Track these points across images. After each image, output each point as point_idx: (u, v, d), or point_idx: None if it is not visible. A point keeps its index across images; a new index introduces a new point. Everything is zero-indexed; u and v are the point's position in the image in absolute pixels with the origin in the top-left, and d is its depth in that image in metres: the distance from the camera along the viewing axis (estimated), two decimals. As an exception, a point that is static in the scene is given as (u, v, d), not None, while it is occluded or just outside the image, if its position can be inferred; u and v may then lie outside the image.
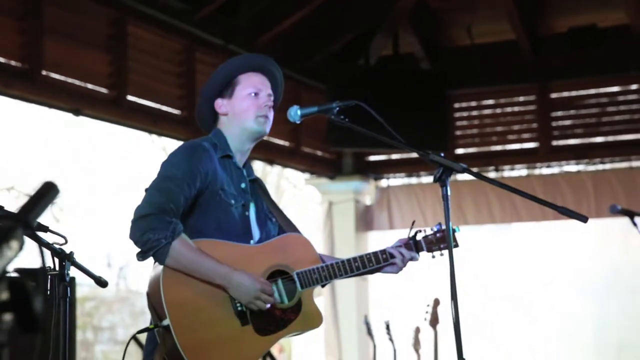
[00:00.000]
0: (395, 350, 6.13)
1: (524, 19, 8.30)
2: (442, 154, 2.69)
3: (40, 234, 2.69)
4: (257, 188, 3.42)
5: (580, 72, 8.48)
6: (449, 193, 2.68)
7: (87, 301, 15.14)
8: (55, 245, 2.65)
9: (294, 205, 16.68)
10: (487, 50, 8.75)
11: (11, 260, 1.19)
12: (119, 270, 14.86)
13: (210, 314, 3.09)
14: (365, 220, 9.29)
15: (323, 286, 3.32)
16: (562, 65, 8.50)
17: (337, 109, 3.07)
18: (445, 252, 3.36)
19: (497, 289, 8.60)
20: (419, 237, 3.44)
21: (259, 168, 16.15)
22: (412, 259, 3.42)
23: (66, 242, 2.64)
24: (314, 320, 3.29)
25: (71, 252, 2.65)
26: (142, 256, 3.05)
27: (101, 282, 2.80)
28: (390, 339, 6.11)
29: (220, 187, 3.20)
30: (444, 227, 3.37)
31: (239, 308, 3.13)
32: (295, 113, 3.23)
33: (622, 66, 8.25)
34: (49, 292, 2.63)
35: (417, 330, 6.05)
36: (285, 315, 3.22)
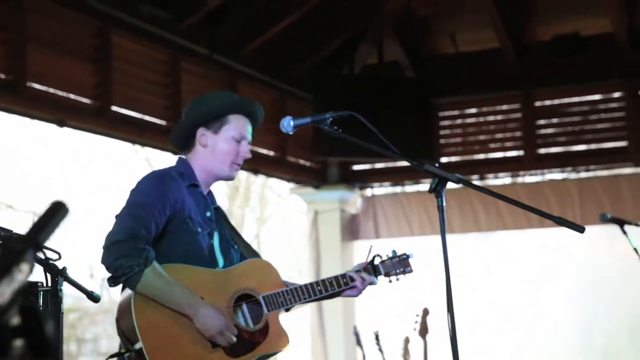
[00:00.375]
0: (384, 361, 6.10)
1: (508, 27, 8.32)
2: (437, 165, 2.66)
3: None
4: (220, 216, 3.47)
5: (564, 80, 8.50)
6: (444, 204, 2.66)
7: (70, 313, 15.05)
8: (48, 260, 2.60)
9: (278, 215, 16.65)
10: (472, 59, 8.77)
11: (22, 283, 1.16)
12: (102, 282, 14.75)
13: (182, 337, 3.13)
14: (351, 229, 9.26)
15: (287, 310, 3.42)
16: (546, 74, 8.52)
17: (331, 119, 3.06)
18: (402, 276, 3.61)
19: (483, 296, 8.60)
20: (377, 261, 3.57)
21: (243, 177, 16.14)
22: (371, 283, 3.54)
23: (60, 257, 2.60)
24: (281, 341, 3.38)
25: (64, 268, 2.61)
26: (113, 282, 3.07)
27: (94, 298, 2.77)
28: (380, 349, 6.08)
29: (187, 215, 3.25)
30: (399, 252, 3.61)
31: None
32: (288, 124, 3.22)
33: (606, 74, 8.29)
34: (41, 308, 2.58)
35: (407, 340, 6.03)
36: (254, 338, 3.29)
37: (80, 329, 15.46)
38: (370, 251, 3.59)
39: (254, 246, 3.77)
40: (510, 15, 8.29)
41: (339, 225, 9.11)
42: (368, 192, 9.39)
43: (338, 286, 3.45)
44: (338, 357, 8.78)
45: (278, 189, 15.43)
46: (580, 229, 2.57)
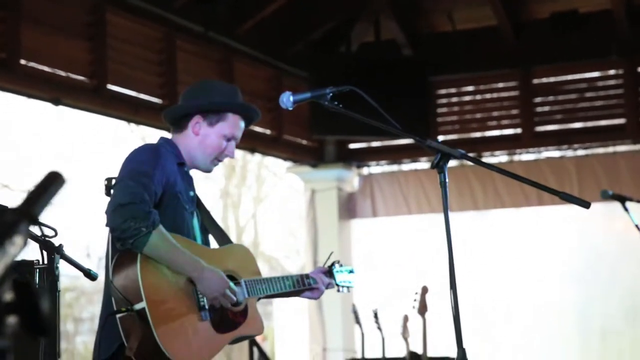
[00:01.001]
0: (383, 339, 6.10)
1: (505, 4, 8.27)
2: (439, 140, 2.62)
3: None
4: (198, 200, 3.52)
5: (562, 57, 8.46)
6: (447, 180, 2.62)
7: (67, 292, 15.04)
8: (44, 237, 2.55)
9: (275, 194, 16.63)
10: (469, 36, 8.71)
11: (15, 257, 1.11)
12: (99, 261, 14.71)
13: (179, 304, 3.17)
14: (348, 208, 9.25)
15: (259, 299, 3.50)
16: (544, 51, 8.48)
17: (331, 94, 3.02)
18: (349, 288, 3.84)
19: (479, 275, 8.59)
20: (335, 269, 3.77)
21: (239, 156, 16.08)
22: (329, 285, 3.72)
23: (56, 234, 2.55)
24: (257, 327, 3.47)
25: (60, 245, 2.56)
26: (121, 243, 3.07)
27: (91, 276, 2.72)
28: (379, 328, 6.08)
29: (178, 190, 3.30)
30: (350, 268, 3.86)
31: (202, 303, 3.22)
32: (287, 99, 3.17)
33: (603, 51, 8.24)
34: (36, 286, 2.54)
35: (406, 319, 6.02)
36: (236, 318, 3.36)
37: (77, 308, 15.46)
38: (329, 257, 3.78)
39: (251, 225, 3.82)
40: (507, -8, 8.25)
41: (336, 204, 9.10)
42: (365, 170, 9.36)
43: (303, 284, 3.59)
44: (336, 335, 8.78)
45: (275, 168, 15.40)
46: (586, 205, 2.53)
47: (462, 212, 8.71)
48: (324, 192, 9.12)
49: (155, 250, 3.07)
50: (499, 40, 8.54)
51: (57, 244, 2.53)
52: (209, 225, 3.55)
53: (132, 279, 3.07)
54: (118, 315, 3.07)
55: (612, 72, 8.55)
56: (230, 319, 3.34)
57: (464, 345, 2.51)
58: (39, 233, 2.58)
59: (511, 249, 8.71)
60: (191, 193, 3.42)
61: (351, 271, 3.86)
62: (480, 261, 8.63)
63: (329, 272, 3.74)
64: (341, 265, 3.81)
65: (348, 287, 3.82)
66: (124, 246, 3.07)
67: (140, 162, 3.21)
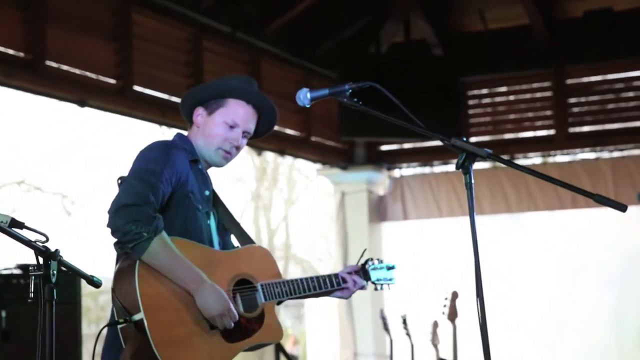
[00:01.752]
0: (412, 345, 5.98)
1: (538, 2, 8.14)
2: (465, 139, 2.50)
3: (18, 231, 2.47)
4: (216, 199, 3.34)
5: (596, 56, 8.29)
6: (472, 181, 2.50)
7: (100, 294, 15.08)
8: (38, 243, 2.45)
9: (306, 196, 16.56)
10: (501, 36, 8.58)
11: None
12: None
13: (182, 314, 2.99)
14: (378, 211, 9.15)
15: (279, 303, 3.30)
16: (578, 50, 8.32)
17: (350, 91, 2.89)
18: (389, 285, 3.61)
19: (513, 280, 8.45)
20: (369, 267, 3.55)
21: (271, 159, 16.04)
22: (362, 287, 3.50)
23: (47, 239, 2.45)
24: (275, 333, 3.26)
25: (57, 250, 2.45)
26: (120, 247, 2.96)
27: (94, 283, 2.60)
28: (407, 334, 5.96)
29: (190, 189, 3.13)
30: (389, 263, 3.62)
31: None
32: (304, 96, 3.04)
33: (639, 50, 8.06)
34: (32, 295, 2.43)
35: (435, 325, 5.89)
36: (250, 325, 3.17)
37: (110, 310, 15.49)
38: (362, 255, 3.58)
39: (283, 228, 3.64)
40: (540, -10, 8.11)
41: (366, 207, 9.00)
42: (396, 172, 9.26)
43: (331, 285, 3.39)
44: (366, 341, 8.69)
45: (306, 170, 15.34)
46: (622, 207, 2.40)
47: (495, 215, 8.57)
48: (354, 194, 9.03)
49: (154, 258, 2.92)
50: (531, 39, 8.39)
51: (53, 249, 2.42)
52: (230, 225, 3.36)
53: (131, 288, 2.92)
54: (119, 326, 2.93)
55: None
56: (244, 326, 3.14)
57: (492, 356, 2.38)
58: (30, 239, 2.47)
59: (545, 252, 8.55)
60: (206, 192, 3.24)
61: (391, 267, 3.64)
62: (513, 265, 8.49)
63: (363, 271, 3.53)
64: (380, 262, 3.61)
65: (388, 284, 3.61)
66: (123, 250, 2.96)
67: (149, 159, 3.05)
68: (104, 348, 3.07)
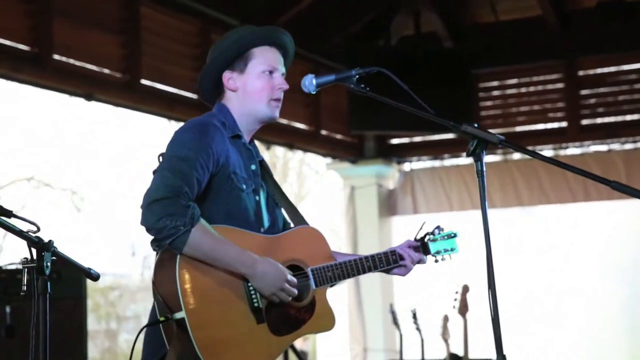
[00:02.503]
0: (422, 340, 5.93)
1: (550, -7, 8.05)
2: (476, 125, 2.43)
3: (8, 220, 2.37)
4: (264, 171, 3.15)
5: (609, 48, 8.20)
6: (484, 168, 2.42)
7: (110, 291, 15.09)
8: (30, 233, 2.35)
9: (316, 191, 16.52)
10: (512, 27, 8.50)
11: None
12: (143, 259, 14.78)
13: (226, 309, 2.83)
14: (388, 205, 9.09)
15: (331, 286, 3.11)
16: (591, 41, 8.23)
17: (357, 77, 2.82)
18: (448, 257, 3.34)
19: (525, 273, 8.38)
20: (427, 239, 3.33)
21: (280, 154, 16.00)
22: (420, 261, 3.28)
23: (38, 229, 2.35)
24: (327, 321, 3.08)
25: (50, 241, 2.35)
26: (157, 244, 2.78)
27: (91, 276, 2.51)
28: (417, 328, 5.91)
29: (232, 170, 2.94)
30: (446, 230, 3.36)
31: (255, 304, 2.88)
32: (310, 82, 2.97)
33: (653, 41, 7.97)
34: (24, 288, 2.35)
35: (446, 319, 5.84)
36: (300, 315, 2.99)
37: (120, 306, 15.52)
38: (421, 228, 3.34)
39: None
40: (552, -19, 8.03)
41: (376, 201, 8.94)
42: (406, 166, 9.20)
43: (387, 263, 3.19)
44: (377, 336, 8.63)
45: (316, 165, 15.29)
46: (640, 195, 2.34)
47: (507, 209, 8.50)
48: (364, 188, 8.98)
49: (197, 249, 2.75)
50: (543, 31, 8.31)
51: (46, 240, 2.33)
52: (280, 199, 3.16)
53: (172, 285, 2.76)
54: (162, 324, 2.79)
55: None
56: (293, 316, 2.97)
57: (504, 351, 2.31)
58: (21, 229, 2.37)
59: (557, 245, 8.48)
60: (253, 166, 3.04)
61: (453, 235, 3.37)
62: (525, 258, 8.42)
63: (422, 245, 3.30)
64: (440, 230, 3.35)
65: (450, 255, 3.35)
66: (161, 247, 2.78)
67: (182, 144, 2.86)
68: (147, 340, 2.93)
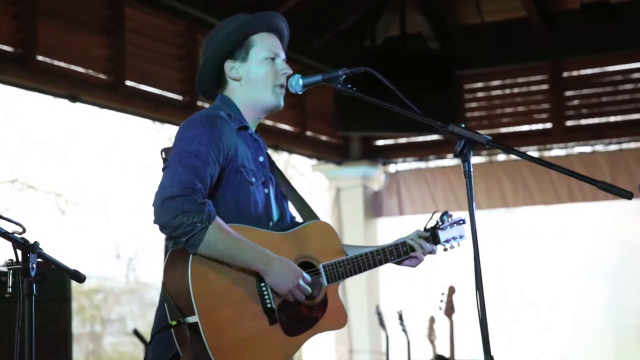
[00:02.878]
0: (409, 341, 5.92)
1: (535, -5, 8.08)
2: (463, 125, 2.42)
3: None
4: (270, 162, 3.11)
5: (594, 49, 8.23)
6: (471, 169, 2.42)
7: (95, 293, 15.01)
8: (15, 235, 2.32)
9: (301, 192, 16.49)
10: (497, 29, 8.52)
11: None
12: (128, 262, 14.70)
13: (239, 311, 2.77)
14: (374, 206, 9.08)
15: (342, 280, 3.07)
16: (575, 43, 8.25)
17: (344, 77, 2.80)
18: (457, 244, 3.30)
19: (509, 274, 8.40)
20: (436, 228, 3.29)
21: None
22: (431, 252, 3.24)
23: (24, 230, 2.32)
24: (340, 319, 3.04)
25: (36, 243, 2.31)
26: (173, 242, 2.69)
27: (78, 277, 2.47)
28: (404, 330, 5.91)
29: (241, 163, 2.89)
30: (454, 217, 3.31)
31: (268, 305, 2.83)
32: (296, 83, 2.95)
33: (637, 42, 8.00)
34: (9, 289, 2.32)
35: (432, 320, 5.84)
36: (312, 313, 2.95)
37: (105, 309, 15.43)
38: (431, 217, 3.29)
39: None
40: (537, -17, 8.05)
41: (361, 202, 8.94)
42: (391, 167, 9.20)
43: (398, 255, 3.16)
44: (363, 337, 8.62)
45: (301, 166, 15.26)
46: (628, 195, 2.35)
47: (491, 210, 8.52)
48: (350, 190, 8.97)
49: (213, 248, 2.68)
50: (528, 32, 8.33)
51: (32, 242, 2.29)
52: (288, 191, 3.13)
53: (184, 287, 2.68)
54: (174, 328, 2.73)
55: (645, 63, 8.29)
56: (306, 315, 2.92)
57: (492, 352, 2.30)
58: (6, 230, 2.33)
59: (542, 247, 8.50)
60: (260, 158, 3.00)
61: (461, 222, 3.33)
62: (510, 260, 8.43)
63: (432, 235, 3.26)
64: (449, 217, 3.31)
65: (458, 242, 3.32)
66: (177, 245, 2.68)
67: (192, 138, 2.78)
68: (156, 341, 2.85)
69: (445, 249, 3.31)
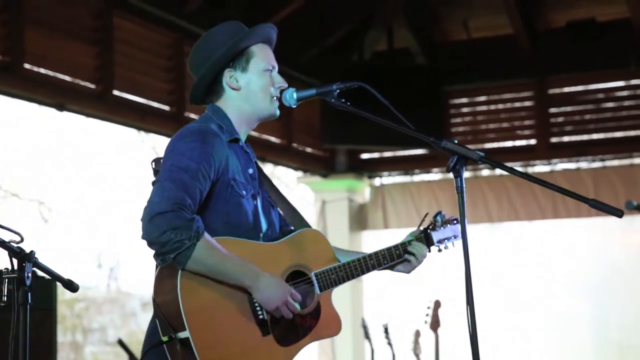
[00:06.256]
0: (394, 355, 5.92)
1: (521, 12, 8.12)
2: (456, 141, 2.44)
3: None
4: (259, 172, 3.09)
5: (579, 67, 8.30)
6: (464, 184, 2.43)
7: (76, 302, 14.92)
8: (12, 244, 2.31)
9: (292, 200, 16.48)
10: (484, 45, 8.57)
11: None
12: (110, 271, 14.63)
13: (231, 325, 2.77)
14: (359, 219, 9.10)
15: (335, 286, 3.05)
16: (561, 60, 8.31)
17: (338, 91, 2.81)
18: (451, 244, 3.22)
19: (493, 289, 8.42)
20: (429, 229, 3.22)
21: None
22: (424, 255, 3.18)
23: (22, 239, 2.31)
24: (334, 326, 3.04)
25: (32, 252, 2.29)
26: (161, 259, 2.68)
27: (72, 287, 2.46)
28: (389, 343, 5.90)
29: (231, 177, 2.87)
30: (447, 216, 3.24)
31: (260, 317, 2.83)
32: (291, 96, 2.96)
33: (622, 61, 8.07)
34: (4, 298, 2.30)
35: (417, 334, 5.83)
36: (305, 322, 2.93)
37: (86, 318, 15.34)
38: (424, 219, 3.25)
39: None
40: (524, 0, 8.09)
41: (347, 215, 8.95)
42: (377, 181, 9.22)
43: (391, 259, 3.10)
44: (346, 351, 8.61)
45: (286, 179, 15.26)
46: (618, 213, 2.37)
47: (476, 224, 8.54)
48: (335, 202, 8.98)
49: (201, 264, 2.67)
50: (514, 49, 8.39)
51: (28, 251, 2.28)
52: (277, 200, 3.10)
53: (174, 303, 2.67)
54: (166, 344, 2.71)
55: (631, 82, 8.35)
56: (299, 324, 2.91)
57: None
58: (6, 239, 2.32)
59: (526, 262, 8.53)
60: (250, 170, 2.98)
61: (453, 221, 3.25)
62: (494, 274, 8.46)
63: (426, 238, 3.19)
64: (442, 217, 3.24)
65: (453, 242, 3.23)
66: (165, 262, 2.68)
67: (182, 153, 2.76)
68: (149, 351, 2.82)
69: (440, 250, 3.24)
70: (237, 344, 2.77)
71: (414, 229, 3.27)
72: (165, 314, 2.71)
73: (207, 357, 2.69)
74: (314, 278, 2.97)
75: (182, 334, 2.67)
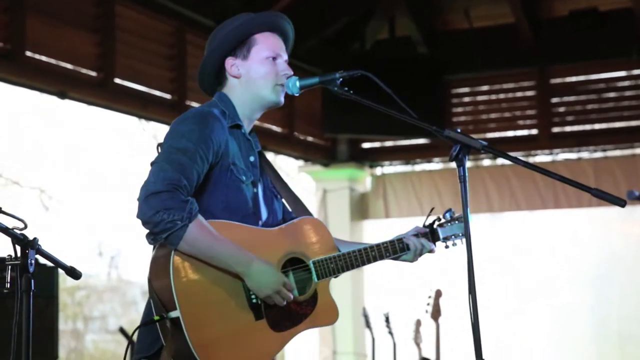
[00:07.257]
0: (394, 344, 5.93)
1: (523, 1, 8.11)
2: (459, 130, 2.44)
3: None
4: (263, 161, 3.10)
5: (581, 56, 8.28)
6: (466, 173, 2.43)
7: (77, 290, 14.95)
8: (15, 230, 2.30)
9: (295, 190, 16.47)
10: (486, 34, 8.55)
11: None
12: (110, 260, 14.64)
13: (223, 306, 2.78)
14: (360, 208, 9.10)
15: (336, 276, 3.04)
16: (562, 50, 8.30)
17: (340, 79, 2.81)
18: (459, 241, 3.20)
19: (494, 279, 8.42)
20: (436, 225, 3.21)
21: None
22: (430, 250, 3.17)
23: (26, 226, 2.30)
24: (330, 315, 3.02)
25: (35, 239, 2.28)
26: (152, 238, 2.72)
27: (74, 274, 2.46)
28: (390, 332, 5.92)
29: (231, 161, 2.88)
30: (456, 214, 3.21)
31: (254, 300, 2.83)
32: (293, 84, 2.96)
33: (623, 51, 8.05)
34: (8, 285, 2.30)
35: (418, 323, 5.85)
36: (301, 309, 2.93)
37: (87, 306, 15.36)
38: (430, 213, 3.23)
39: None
40: (526, -10, 8.09)
41: (348, 205, 8.95)
42: (378, 170, 9.21)
43: (394, 252, 3.10)
44: (346, 339, 8.63)
45: (287, 168, 15.25)
46: (621, 203, 2.36)
47: (477, 214, 8.54)
48: (336, 192, 8.98)
49: (192, 246, 2.69)
50: (516, 38, 8.37)
51: (31, 238, 2.27)
52: (281, 190, 3.09)
53: (166, 282, 2.70)
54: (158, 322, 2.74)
55: (633, 72, 8.34)
56: (294, 311, 2.90)
57: (484, 356, 2.31)
58: (10, 226, 2.31)
59: (527, 252, 8.53)
60: (251, 158, 2.98)
61: (462, 219, 3.10)
62: (494, 264, 8.46)
63: (431, 232, 3.18)
64: (451, 214, 3.21)
65: (460, 240, 3.19)
66: (156, 241, 2.73)
67: (181, 135, 2.78)
68: (142, 333, 2.86)
69: (447, 246, 3.22)
70: (228, 325, 2.78)
71: (415, 218, 3.28)
72: (158, 294, 2.74)
73: (197, 337, 2.70)
74: (311, 266, 2.97)
75: (173, 314, 2.70)
